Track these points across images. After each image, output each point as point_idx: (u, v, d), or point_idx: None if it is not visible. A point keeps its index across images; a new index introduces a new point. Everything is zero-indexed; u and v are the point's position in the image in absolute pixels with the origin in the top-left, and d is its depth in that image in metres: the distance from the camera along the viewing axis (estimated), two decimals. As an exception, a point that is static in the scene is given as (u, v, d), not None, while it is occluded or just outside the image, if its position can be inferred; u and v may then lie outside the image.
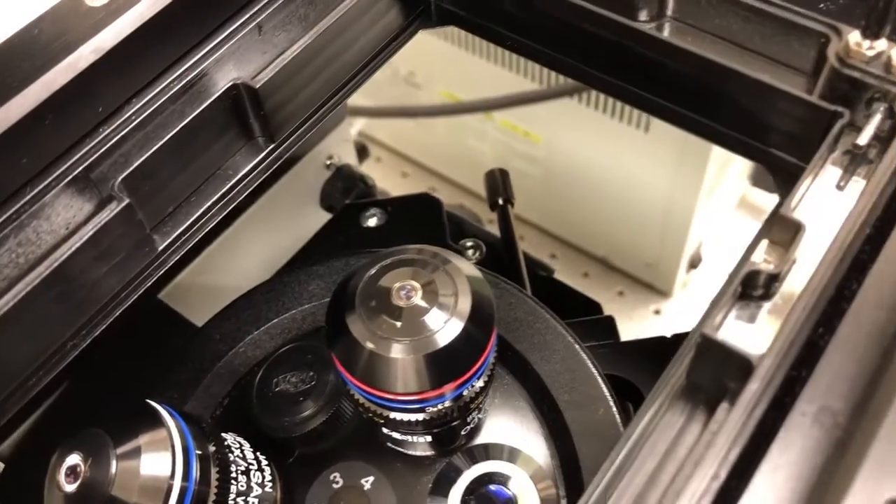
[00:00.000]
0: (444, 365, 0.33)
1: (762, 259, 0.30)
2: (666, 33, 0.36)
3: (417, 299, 0.34)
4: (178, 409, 0.42)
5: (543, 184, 0.98)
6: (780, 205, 0.33)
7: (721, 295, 0.31)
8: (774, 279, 0.29)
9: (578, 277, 1.03)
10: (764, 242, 0.30)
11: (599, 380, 0.40)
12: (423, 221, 0.52)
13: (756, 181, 1.01)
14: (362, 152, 0.69)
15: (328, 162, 0.59)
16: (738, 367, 0.27)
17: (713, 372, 0.28)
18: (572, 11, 0.36)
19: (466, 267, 0.35)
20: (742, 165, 0.95)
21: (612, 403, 0.39)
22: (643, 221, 0.94)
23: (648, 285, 1.02)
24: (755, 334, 0.28)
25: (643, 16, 0.37)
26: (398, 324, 0.33)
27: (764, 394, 0.27)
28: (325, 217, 0.58)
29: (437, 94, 0.99)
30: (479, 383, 0.35)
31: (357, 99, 1.06)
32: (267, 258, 0.54)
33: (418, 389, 0.33)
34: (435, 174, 1.12)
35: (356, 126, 1.06)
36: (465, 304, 0.34)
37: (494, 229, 0.56)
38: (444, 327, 0.33)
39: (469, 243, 0.52)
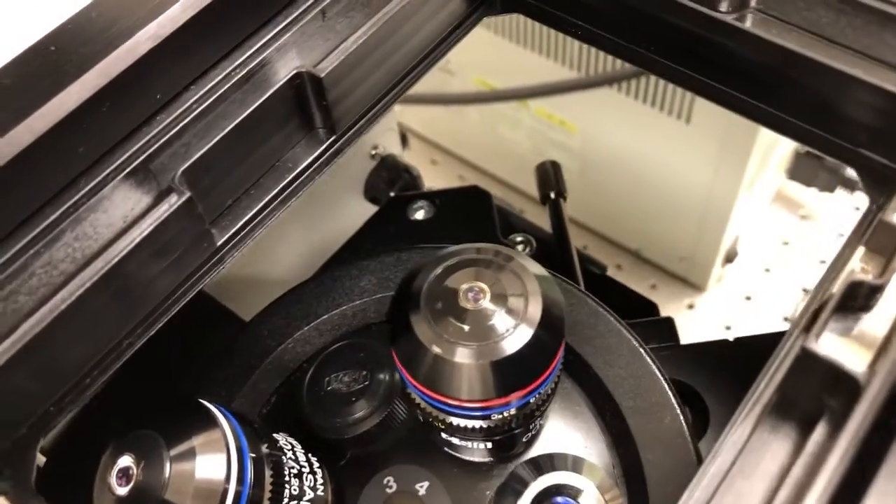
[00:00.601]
0: (512, 372, 0.32)
1: (860, 268, 0.28)
2: (748, 24, 0.34)
3: (486, 302, 0.32)
4: (225, 406, 0.41)
5: (578, 175, 0.97)
6: (873, 209, 0.32)
7: (814, 303, 0.29)
8: (877, 290, 0.27)
9: (612, 270, 1.01)
10: (860, 250, 0.29)
11: (665, 386, 0.38)
12: (472, 215, 0.51)
13: (793, 174, 0.99)
14: (403, 141, 0.68)
15: (373, 152, 0.57)
16: (842, 385, 0.25)
17: (813, 389, 0.26)
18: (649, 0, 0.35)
19: (534, 266, 0.34)
20: (780, 158, 0.93)
21: (678, 411, 0.38)
22: (680, 214, 0.92)
23: (682, 279, 1.00)
24: (856, 349, 0.27)
25: (724, 6, 0.35)
26: (465, 327, 0.32)
27: (870, 414, 0.25)
28: (369, 208, 0.57)
29: (470, 81, 0.97)
30: (546, 391, 0.34)
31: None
32: (311, 250, 0.53)
33: (483, 397, 0.32)
34: (465, 162, 1.11)
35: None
36: (535, 307, 0.32)
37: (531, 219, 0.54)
38: (514, 332, 0.32)
39: (519, 238, 0.51)
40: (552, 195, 0.51)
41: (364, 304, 0.43)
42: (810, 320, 0.28)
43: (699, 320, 0.98)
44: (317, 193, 0.54)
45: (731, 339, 0.45)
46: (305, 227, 0.54)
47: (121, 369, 0.46)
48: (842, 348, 0.27)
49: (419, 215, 0.51)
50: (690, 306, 0.99)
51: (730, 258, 0.98)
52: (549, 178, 0.52)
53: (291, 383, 0.42)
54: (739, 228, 0.95)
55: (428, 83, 1.01)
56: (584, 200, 1.00)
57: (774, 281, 0.99)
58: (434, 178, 1.10)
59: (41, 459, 0.45)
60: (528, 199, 1.05)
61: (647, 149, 0.88)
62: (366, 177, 0.57)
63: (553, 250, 0.51)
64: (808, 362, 0.26)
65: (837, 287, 0.27)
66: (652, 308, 0.51)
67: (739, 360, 0.43)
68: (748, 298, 0.99)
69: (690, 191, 0.88)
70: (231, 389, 0.42)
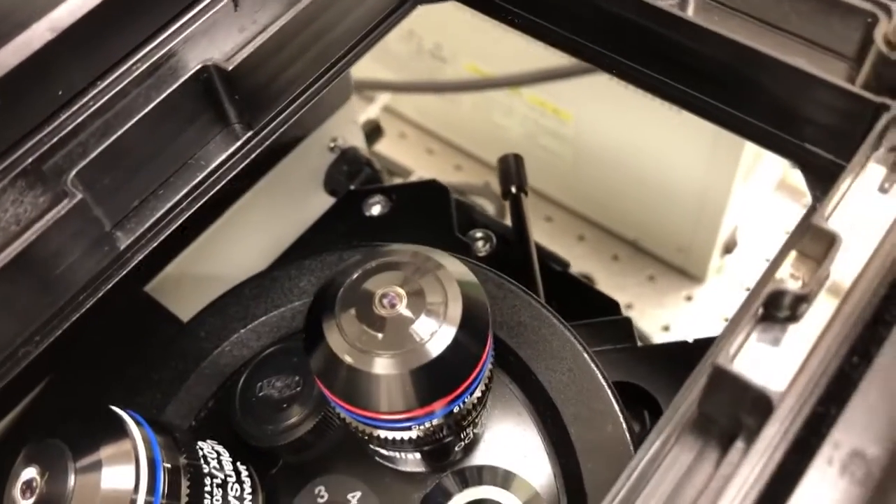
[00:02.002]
0: (433, 380, 0.30)
1: (789, 274, 0.26)
2: (689, 12, 0.32)
3: (402, 308, 0.30)
4: (160, 411, 0.40)
5: (573, 163, 0.94)
6: (811, 210, 0.29)
7: (740, 315, 0.27)
8: (803, 300, 0.25)
9: (608, 260, 0.99)
10: (792, 254, 0.26)
11: (609, 393, 0.36)
12: (429, 211, 0.49)
13: (798, 162, 0.96)
14: (375, 133, 0.66)
15: (332, 144, 0.55)
16: (756, 403, 0.23)
17: (728, 405, 0.24)
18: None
19: (458, 269, 0.32)
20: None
21: (622, 419, 0.36)
22: (676, 204, 0.90)
23: (680, 270, 0.98)
24: (778, 363, 0.25)
25: (664, -9, 0.33)
26: (380, 335, 0.30)
27: (786, 434, 0.23)
28: (329, 202, 0.55)
29: (462, 68, 0.95)
30: (473, 398, 0.32)
31: (380, 73, 1.03)
32: (268, 245, 0.51)
33: (404, 408, 0.30)
34: (461, 151, 1.09)
35: (379, 102, 1.03)
36: (455, 311, 0.30)
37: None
38: (432, 339, 0.30)
39: (479, 234, 0.49)
40: (513, 189, 0.49)
41: (303, 305, 0.41)
42: (728, 332, 0.25)
43: (698, 312, 0.96)
44: (274, 186, 0.52)
45: (690, 339, 0.43)
46: (262, 221, 0.53)
47: (62, 370, 0.45)
48: (762, 362, 0.25)
49: (375, 210, 0.49)
50: (689, 298, 0.97)
51: (729, 248, 0.95)
52: (511, 171, 0.50)
53: (227, 388, 0.41)
54: (738, 218, 0.92)
55: (419, 71, 0.99)
56: (579, 189, 0.98)
57: (775, 272, 0.96)
58: (431, 168, 1.08)
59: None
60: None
61: (643, 137, 0.86)
62: (325, 169, 0.56)
63: (515, 246, 0.49)
64: (721, 378, 0.24)
65: (760, 296, 0.25)
66: (614, 306, 0.49)
67: (698, 362, 0.41)
68: (748, 290, 0.96)
69: (686, 180, 0.86)
70: (167, 393, 0.40)
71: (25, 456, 0.32)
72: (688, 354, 0.42)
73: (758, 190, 0.94)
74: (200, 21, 0.31)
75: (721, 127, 0.34)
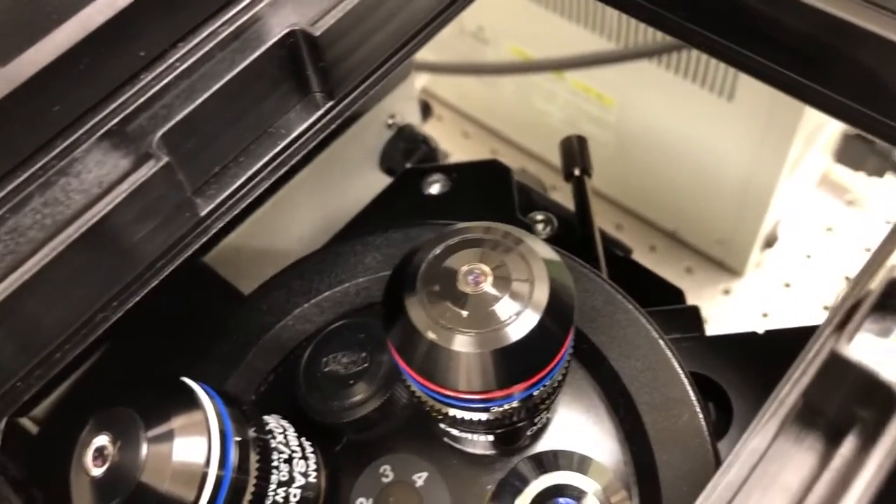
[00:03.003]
0: (515, 363, 0.29)
1: (905, 263, 0.25)
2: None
3: (487, 286, 0.29)
4: (221, 383, 0.39)
5: (614, 150, 0.93)
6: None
7: (850, 300, 0.26)
8: (923, 290, 0.24)
9: (645, 251, 0.98)
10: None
11: (685, 381, 0.35)
12: (489, 191, 0.48)
13: (841, 157, 0.95)
14: (425, 111, 0.65)
15: (390, 121, 0.54)
16: (876, 395, 0.22)
17: (843, 397, 0.23)
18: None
19: (543, 249, 0.31)
20: (827, 139, 0.89)
21: (698, 409, 0.35)
22: (719, 195, 0.88)
23: (719, 263, 0.97)
24: (894, 355, 0.24)
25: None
26: (464, 313, 0.29)
27: (907, 429, 0.22)
28: (384, 180, 0.55)
29: (505, 51, 0.94)
30: (553, 383, 0.31)
31: (420, 53, 1.01)
32: (322, 222, 0.50)
33: (483, 388, 0.29)
34: (498, 136, 1.08)
35: (419, 82, 1.01)
36: (541, 293, 0.29)
37: (562, 198, 0.51)
38: (517, 319, 0.29)
39: (539, 217, 0.48)
40: (576, 172, 0.48)
41: (368, 281, 0.41)
42: (843, 319, 0.25)
43: (735, 306, 0.95)
44: (330, 163, 0.52)
45: (760, 331, 0.42)
46: (317, 197, 0.52)
47: (118, 339, 0.44)
48: (878, 353, 0.24)
49: (434, 189, 0.48)
50: (726, 291, 0.96)
51: (769, 243, 0.94)
52: (574, 153, 0.49)
53: (290, 362, 0.40)
54: (781, 212, 0.91)
55: (460, 52, 0.98)
56: (619, 177, 0.97)
57: (816, 268, 0.95)
58: (466, 152, 1.07)
59: (33, 429, 0.44)
60: (560, 175, 1.02)
61: (687, 126, 0.84)
62: (381, 147, 0.55)
63: (576, 230, 0.48)
64: (838, 368, 0.23)
65: (876, 283, 0.24)
66: (678, 295, 0.48)
67: (768, 354, 0.40)
68: (787, 285, 0.95)
69: (730, 171, 0.85)
70: (227, 367, 0.40)
71: (95, 423, 0.31)
72: (757, 346, 0.41)
73: (801, 184, 0.93)
74: (288, -16, 0.30)
75: (827, 114, 0.33)
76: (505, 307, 0.29)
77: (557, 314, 0.29)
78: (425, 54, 0.97)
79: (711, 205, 0.90)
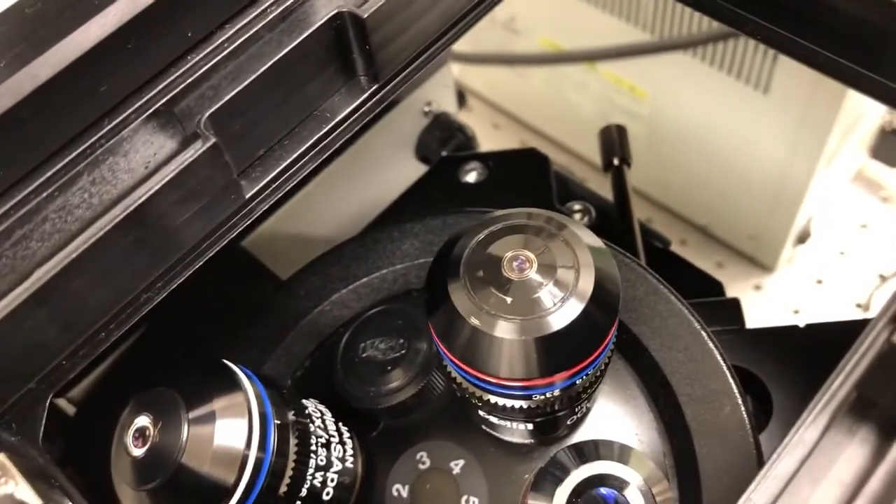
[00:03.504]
0: (558, 351, 0.29)
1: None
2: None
3: (532, 272, 0.29)
4: (258, 367, 0.39)
5: (646, 143, 0.92)
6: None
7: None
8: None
9: (676, 245, 0.97)
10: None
11: (727, 373, 0.35)
12: (527, 179, 0.48)
13: (876, 153, 0.93)
14: (461, 99, 0.64)
15: (426, 109, 0.54)
16: (936, 388, 0.22)
17: (898, 390, 0.23)
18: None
19: (588, 236, 0.31)
20: (863, 135, 0.87)
21: (740, 401, 0.34)
22: (752, 190, 0.87)
23: (750, 258, 0.96)
24: (953, 347, 0.23)
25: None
26: (508, 299, 0.29)
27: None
28: (419, 168, 0.54)
29: (537, 41, 0.94)
30: (595, 373, 0.31)
31: (452, 43, 1.01)
32: (358, 209, 0.50)
33: (525, 376, 0.29)
34: (528, 127, 1.07)
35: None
36: (586, 281, 0.29)
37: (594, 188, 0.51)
38: (561, 307, 0.29)
39: (577, 206, 0.48)
40: (615, 161, 0.48)
41: (405, 268, 0.41)
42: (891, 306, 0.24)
43: (766, 302, 0.94)
44: (365, 150, 0.51)
45: (801, 324, 0.41)
46: (352, 184, 0.52)
47: (156, 322, 0.45)
48: (937, 345, 0.23)
49: (471, 177, 0.48)
50: (758, 287, 0.95)
51: (802, 239, 0.93)
52: (614, 142, 0.48)
53: (326, 347, 0.40)
54: (814, 208, 0.90)
55: (491, 42, 0.98)
56: (650, 170, 0.96)
57: (849, 265, 0.93)
58: (496, 143, 1.07)
59: (71, 410, 0.44)
60: (591, 167, 1.01)
61: (721, 119, 0.83)
62: (417, 134, 0.54)
63: (614, 221, 0.48)
64: (894, 359, 0.22)
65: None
66: (717, 288, 0.48)
67: (809, 348, 0.40)
68: (819, 282, 0.94)
69: (764, 165, 0.84)
70: (264, 350, 0.40)
71: (136, 403, 0.32)
72: (798, 340, 0.41)
73: (835, 180, 0.92)
74: (334, -34, 0.30)
75: (886, 104, 0.32)
76: (550, 294, 0.29)
77: (602, 303, 0.29)
78: (457, 44, 0.97)
79: (744, 200, 0.89)
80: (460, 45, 0.94)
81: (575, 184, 0.49)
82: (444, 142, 0.54)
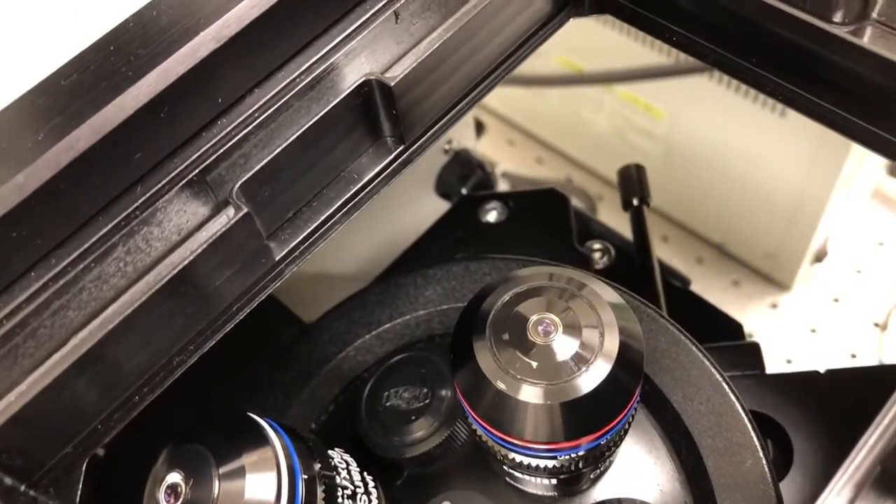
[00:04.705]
0: (584, 414, 0.29)
1: None
2: (865, 40, 0.31)
3: (557, 336, 0.30)
4: (282, 412, 0.40)
5: (662, 162, 0.92)
6: None
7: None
8: None
9: (692, 263, 0.98)
10: None
11: (749, 426, 0.35)
12: (548, 219, 0.48)
13: (894, 171, 0.93)
14: (478, 129, 0.65)
15: (447, 147, 0.55)
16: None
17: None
18: (758, 8, 0.31)
19: (609, 294, 0.31)
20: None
21: (761, 454, 0.35)
22: (769, 210, 0.87)
23: (766, 276, 0.96)
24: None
25: (839, 17, 0.31)
26: (534, 364, 0.29)
27: None
28: (440, 204, 0.55)
29: (554, 61, 0.94)
30: (620, 433, 0.31)
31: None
32: (380, 247, 0.51)
33: (551, 439, 0.30)
34: (544, 144, 1.07)
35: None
36: (611, 343, 0.30)
37: (606, 211, 0.51)
38: (587, 371, 0.29)
39: (597, 245, 0.48)
40: (635, 201, 0.48)
41: (428, 314, 0.41)
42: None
43: (782, 321, 0.94)
44: (386, 188, 0.52)
45: (822, 370, 0.41)
46: (373, 222, 0.52)
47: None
48: (960, 426, 0.23)
49: (491, 217, 0.48)
50: (774, 305, 0.95)
51: (819, 257, 0.92)
52: (633, 182, 0.48)
53: (350, 392, 0.41)
54: (831, 226, 0.90)
55: (509, 62, 0.98)
56: (667, 189, 0.96)
57: (866, 283, 0.93)
58: (511, 160, 1.07)
59: (100, 452, 0.45)
60: (606, 185, 1.01)
61: (738, 140, 0.83)
62: (438, 171, 0.55)
63: (633, 260, 0.48)
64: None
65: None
66: (737, 329, 0.48)
67: (830, 394, 0.40)
68: (836, 300, 0.93)
69: (781, 186, 0.84)
70: (288, 395, 0.41)
71: (167, 459, 0.32)
72: (819, 385, 0.41)
73: (853, 198, 0.92)
74: (363, 34, 0.31)
75: (890, 159, 0.32)
76: (575, 358, 0.29)
77: (627, 364, 0.30)
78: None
79: (760, 219, 0.89)
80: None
81: (594, 222, 0.50)
82: (463, 178, 0.55)
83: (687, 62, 0.79)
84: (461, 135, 0.56)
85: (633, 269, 0.47)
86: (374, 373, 0.39)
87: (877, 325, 0.91)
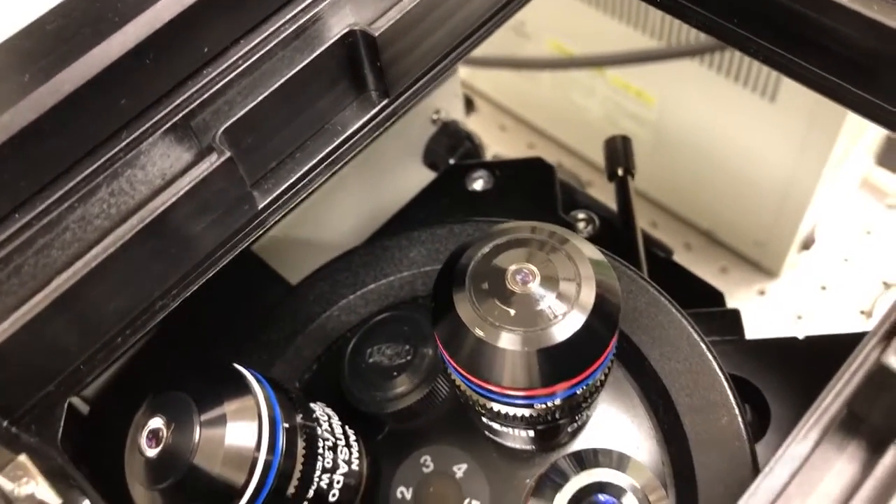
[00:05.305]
0: (560, 362, 0.30)
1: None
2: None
3: (535, 285, 0.30)
4: (267, 370, 0.40)
5: (652, 148, 0.93)
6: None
7: (895, 312, 0.26)
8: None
9: (680, 249, 0.98)
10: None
11: (725, 384, 0.36)
12: (532, 188, 0.48)
13: (882, 160, 0.94)
14: (468, 105, 0.65)
15: (435, 117, 0.55)
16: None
17: (886, 407, 0.24)
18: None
19: (589, 249, 0.32)
20: (869, 142, 0.88)
21: (737, 412, 0.35)
22: (758, 196, 0.88)
23: (754, 263, 0.96)
24: (941, 368, 0.24)
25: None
26: (512, 311, 0.30)
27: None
28: (427, 174, 0.55)
29: (545, 45, 0.94)
30: (595, 383, 0.32)
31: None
32: (365, 215, 0.51)
33: (527, 385, 0.30)
34: (535, 130, 1.08)
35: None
36: (588, 293, 0.30)
37: (595, 195, 0.52)
38: (563, 319, 0.29)
39: (581, 215, 0.48)
40: (620, 172, 0.49)
41: (412, 275, 0.41)
42: (891, 329, 0.25)
43: (770, 307, 0.94)
44: (374, 156, 0.52)
45: (800, 336, 0.42)
46: (360, 190, 0.53)
47: (161, 327, 0.46)
48: (924, 365, 0.24)
49: (478, 186, 0.49)
50: (761, 292, 0.95)
51: (807, 245, 0.93)
52: (618, 153, 0.49)
53: (334, 352, 0.41)
54: (819, 214, 0.90)
55: (500, 46, 0.98)
56: (656, 175, 0.97)
57: (853, 272, 0.94)
58: (503, 145, 1.07)
59: (85, 409, 0.45)
60: (597, 170, 1.02)
61: (728, 125, 0.84)
62: (425, 142, 0.55)
63: (617, 230, 0.49)
64: (884, 378, 0.23)
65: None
66: (718, 297, 0.48)
67: (808, 360, 0.40)
68: (823, 288, 0.94)
69: (770, 172, 0.84)
70: (273, 353, 0.41)
71: (150, 406, 0.33)
72: (797, 351, 0.41)
73: (841, 186, 0.92)
74: (347, -15, 0.31)
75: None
76: (552, 307, 0.30)
77: (603, 315, 0.30)
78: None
79: (749, 205, 0.90)
80: (469, 49, 0.95)
81: (579, 193, 0.50)
82: (451, 149, 0.55)
83: (678, 46, 0.80)
84: (450, 105, 0.56)
85: (617, 238, 0.48)
86: (357, 332, 0.39)
87: (863, 312, 0.92)
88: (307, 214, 0.50)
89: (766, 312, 0.94)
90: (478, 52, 0.94)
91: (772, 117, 0.78)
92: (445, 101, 0.56)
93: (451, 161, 0.54)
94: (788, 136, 0.79)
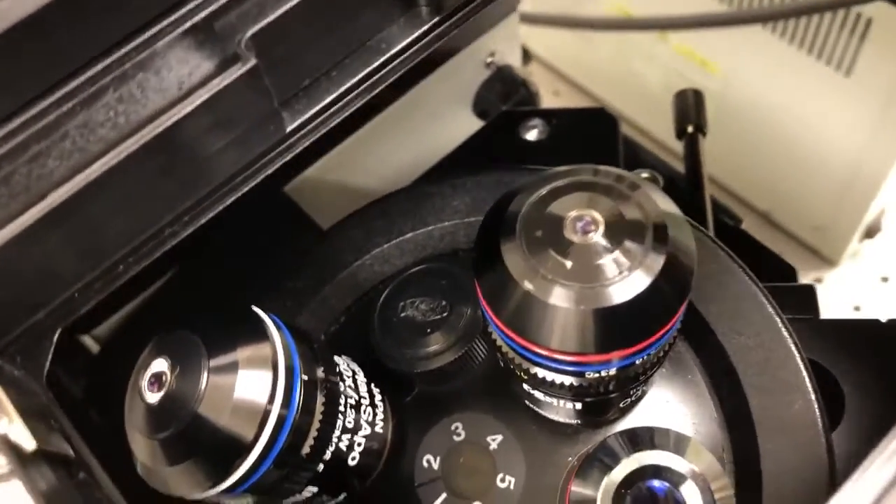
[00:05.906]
0: (619, 326, 0.26)
1: None
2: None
3: (597, 236, 0.26)
4: (291, 318, 0.37)
5: (713, 121, 0.87)
6: None
7: None
8: None
9: (734, 229, 0.93)
10: None
11: (801, 365, 0.31)
12: (592, 140, 0.44)
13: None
14: (525, 56, 0.61)
15: (489, 60, 0.51)
16: None
17: None
18: None
19: (664, 201, 0.28)
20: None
21: (813, 397, 0.31)
22: (823, 178, 0.83)
23: (813, 250, 0.92)
24: None
25: None
26: (568, 263, 0.26)
27: None
28: (476, 123, 0.51)
29: (606, 5, 0.89)
30: (657, 355, 0.28)
31: (517, 3, 0.97)
32: (408, 161, 0.47)
33: (579, 349, 0.26)
34: (590, 96, 1.03)
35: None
36: (658, 251, 0.26)
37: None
38: (627, 278, 0.25)
39: (644, 175, 0.44)
40: (690, 129, 0.44)
41: (454, 226, 0.38)
42: None
43: (826, 297, 0.89)
44: (421, 99, 0.48)
45: (884, 319, 0.37)
46: (405, 135, 0.49)
47: (187, 265, 0.42)
48: None
49: (531, 135, 0.45)
50: (818, 280, 0.91)
51: (870, 233, 0.88)
52: (689, 108, 0.44)
53: (364, 303, 0.38)
54: (887, 201, 0.85)
55: (558, 3, 0.94)
56: (714, 150, 0.91)
57: (919, 264, 0.89)
58: (554, 110, 1.03)
59: (95, 348, 0.43)
60: (655, 144, 0.97)
61: (797, 100, 0.79)
62: (477, 88, 0.51)
63: (683, 193, 0.44)
64: None
65: None
66: (791, 273, 0.44)
67: (891, 346, 0.36)
68: (885, 279, 0.89)
69: (839, 152, 0.79)
70: (299, 301, 0.38)
71: (156, 346, 0.29)
72: (879, 335, 0.37)
73: (914, 172, 0.87)
74: None
75: None
76: (615, 262, 0.26)
77: (674, 278, 0.26)
78: (520, 4, 0.93)
79: (812, 187, 0.85)
80: (523, 5, 0.91)
81: (644, 150, 0.46)
82: (505, 97, 0.51)
83: (749, 10, 0.75)
84: (506, 49, 0.52)
85: (682, 202, 0.43)
86: (390, 283, 0.36)
87: (926, 307, 0.87)
88: (346, 158, 0.47)
89: (822, 302, 0.89)
90: (534, 8, 0.89)
91: (846, 93, 0.74)
92: (501, 44, 0.51)
93: (504, 108, 0.50)
94: (863, 114, 0.74)
